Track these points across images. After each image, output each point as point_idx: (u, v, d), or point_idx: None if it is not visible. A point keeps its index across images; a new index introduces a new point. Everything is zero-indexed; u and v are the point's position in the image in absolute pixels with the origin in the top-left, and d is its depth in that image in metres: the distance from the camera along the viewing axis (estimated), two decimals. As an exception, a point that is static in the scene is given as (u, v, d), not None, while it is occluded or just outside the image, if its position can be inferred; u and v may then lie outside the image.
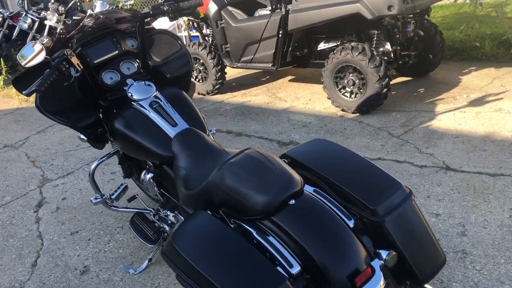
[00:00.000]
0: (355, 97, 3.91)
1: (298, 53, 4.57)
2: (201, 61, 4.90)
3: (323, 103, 4.32)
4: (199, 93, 5.09)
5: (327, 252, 1.39)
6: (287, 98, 4.64)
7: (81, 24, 2.17)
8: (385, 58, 4.00)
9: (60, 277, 2.38)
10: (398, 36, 4.03)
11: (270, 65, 4.44)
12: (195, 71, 5.04)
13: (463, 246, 2.23)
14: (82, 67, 2.06)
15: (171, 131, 2.02)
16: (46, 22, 6.87)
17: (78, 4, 7.01)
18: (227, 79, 5.42)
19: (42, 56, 1.88)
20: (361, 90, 3.85)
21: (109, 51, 2.28)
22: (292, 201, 1.48)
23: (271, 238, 1.47)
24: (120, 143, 2.14)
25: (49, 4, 7.25)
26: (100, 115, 2.27)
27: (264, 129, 3.95)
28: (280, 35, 4.20)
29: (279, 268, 1.40)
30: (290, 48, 4.32)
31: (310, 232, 1.43)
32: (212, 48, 4.80)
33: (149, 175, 2.17)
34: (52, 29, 6.79)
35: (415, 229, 1.53)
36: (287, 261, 1.42)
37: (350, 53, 3.77)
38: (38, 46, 1.89)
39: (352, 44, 3.84)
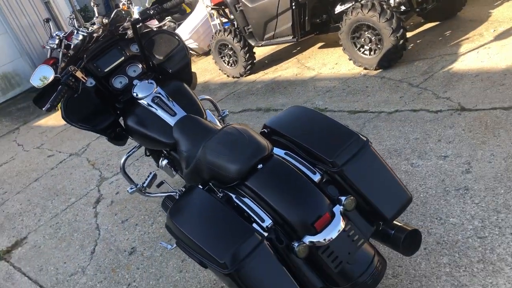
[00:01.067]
0: (374, 53, 3.94)
1: (318, 20, 4.63)
2: (229, 46, 5.13)
3: (348, 65, 4.37)
4: (233, 77, 5.33)
5: (290, 205, 1.59)
6: (315, 66, 4.73)
7: (80, 42, 2.49)
8: (400, 9, 3.97)
9: (112, 259, 2.78)
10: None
11: (290, 37, 4.56)
12: (225, 57, 5.29)
13: (466, 183, 2.29)
14: (86, 79, 2.36)
15: (171, 121, 2.28)
16: (95, 35, 7.47)
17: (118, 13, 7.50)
18: (259, 58, 5.62)
19: (50, 76, 2.22)
20: (378, 46, 3.87)
21: (116, 58, 2.58)
22: (260, 166, 1.68)
23: (247, 200, 1.69)
24: (134, 137, 2.45)
25: (94, 18, 7.85)
26: (119, 116, 2.59)
27: (291, 101, 4.11)
28: (293, 7, 4.30)
29: (254, 225, 1.62)
30: (306, 18, 4.41)
31: (275, 190, 1.63)
32: (236, 32, 5.00)
33: (165, 161, 2.46)
34: (101, 41, 7.37)
35: (375, 174, 1.67)
36: (260, 217, 1.63)
37: (361, 11, 3.79)
38: (47, 68, 2.23)
39: (362, 2, 3.85)
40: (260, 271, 1.50)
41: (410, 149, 2.74)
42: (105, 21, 8.36)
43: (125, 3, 7.51)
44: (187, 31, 6.76)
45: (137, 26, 2.51)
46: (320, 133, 1.78)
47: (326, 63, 4.70)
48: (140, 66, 2.58)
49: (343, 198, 1.60)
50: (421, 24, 4.71)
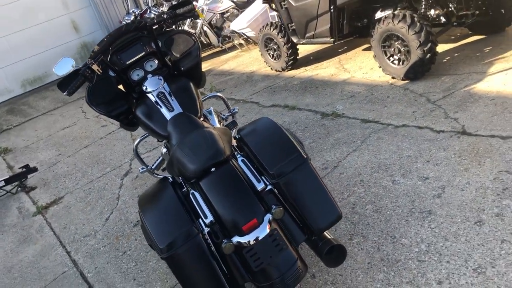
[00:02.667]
0: (402, 64, 3.97)
1: (359, 24, 4.69)
2: (274, 40, 5.33)
3: (380, 71, 4.41)
4: (276, 70, 5.54)
5: (226, 207, 1.83)
6: (351, 69, 4.82)
7: (105, 39, 2.84)
8: (436, 21, 3.94)
9: (120, 228, 3.18)
10: (448, -3, 3.92)
11: (328, 38, 4.67)
12: (271, 50, 5.50)
13: (432, 207, 2.39)
14: (101, 71, 2.71)
15: (168, 115, 2.58)
16: (164, 15, 7.97)
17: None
18: (306, 53, 5.76)
19: (69, 68, 2.59)
20: (407, 57, 3.90)
21: (137, 53, 2.90)
22: (213, 169, 1.94)
23: (199, 197, 1.96)
24: (140, 125, 2.79)
25: (163, 0, 8.36)
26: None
27: (316, 101, 4.26)
28: (332, 10, 4.40)
29: (200, 220, 1.89)
30: (345, 21, 4.49)
31: (219, 193, 1.88)
32: (282, 28, 5.19)
33: (165, 150, 2.79)
34: (168, 22, 7.85)
35: (309, 189, 1.87)
36: (205, 214, 1.89)
37: (391, 21, 3.83)
38: (69, 59, 2.61)
39: (395, 12, 3.88)
40: (191, 260, 1.78)
41: (399, 166, 2.84)
42: (174, 2, 8.89)
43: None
44: (246, 19, 7.00)
45: (154, 27, 2.82)
46: (272, 147, 1.99)
47: (363, 66, 4.76)
48: (157, 62, 2.89)
49: (274, 207, 1.82)
50: (467, 36, 4.61)
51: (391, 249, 2.19)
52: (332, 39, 4.64)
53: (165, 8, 7.88)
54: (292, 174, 1.86)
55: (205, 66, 7.16)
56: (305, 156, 1.90)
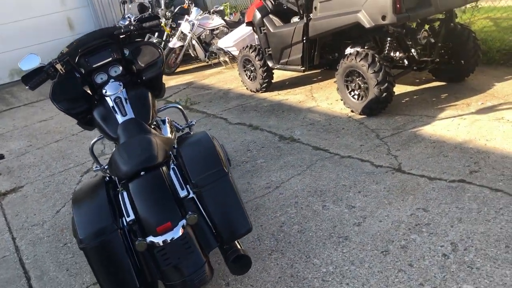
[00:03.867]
0: (361, 99, 4.20)
1: (330, 57, 4.94)
2: (252, 62, 5.57)
3: (343, 104, 4.64)
4: (251, 90, 5.76)
5: (145, 209, 2.01)
6: (319, 98, 5.04)
7: (74, 43, 3.02)
8: (394, 64, 4.18)
9: (66, 221, 3.33)
10: (410, 42, 4.18)
11: (299, 67, 4.90)
12: (248, 71, 5.73)
13: (349, 233, 2.57)
14: (64, 71, 2.89)
15: (120, 119, 2.76)
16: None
17: (181, 10, 8.19)
18: (283, 78, 5.99)
19: (35, 64, 2.77)
20: (366, 94, 4.13)
21: (104, 58, 3.08)
22: (143, 173, 2.12)
23: (126, 197, 2.12)
24: (96, 126, 2.95)
25: (159, 9, 8.61)
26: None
27: (278, 124, 4.47)
28: (304, 41, 4.65)
29: (123, 218, 2.05)
30: (316, 52, 4.74)
31: (142, 195, 2.05)
32: (260, 51, 5.42)
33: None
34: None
35: (224, 201, 2.05)
36: (128, 213, 2.06)
37: (354, 58, 4.07)
38: (35, 56, 2.79)
39: (359, 50, 4.13)
40: (106, 253, 1.95)
41: (333, 192, 3.03)
42: (168, 14, 9.03)
43: (187, 2, 8.17)
44: (233, 38, 7.25)
45: (121, 36, 3.01)
46: (200, 158, 2.18)
47: (330, 97, 4.99)
48: (121, 68, 3.08)
49: (189, 213, 2.00)
50: (430, 81, 4.86)
51: (302, 267, 2.37)
52: (303, 68, 4.87)
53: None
54: (211, 185, 2.05)
55: (188, 78, 7.37)
56: (226, 171, 2.08)
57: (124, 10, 9.38)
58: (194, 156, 2.20)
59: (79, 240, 1.94)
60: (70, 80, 3.01)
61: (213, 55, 7.79)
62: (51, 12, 9.31)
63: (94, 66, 3.04)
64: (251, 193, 3.24)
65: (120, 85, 2.95)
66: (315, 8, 4.42)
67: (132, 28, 2.98)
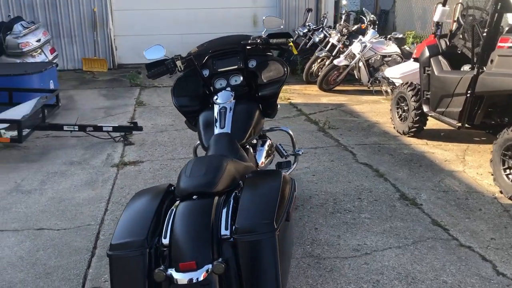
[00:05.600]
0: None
1: (498, 120, 4.14)
2: (407, 101, 5.01)
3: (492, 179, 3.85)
4: (398, 131, 5.20)
5: (178, 238, 1.82)
6: (470, 163, 4.27)
7: (205, 44, 2.99)
8: None
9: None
10: None
11: (455, 122, 4.22)
12: (400, 109, 5.18)
13: None
14: (182, 69, 2.86)
15: (216, 131, 2.65)
16: (330, 39, 8.08)
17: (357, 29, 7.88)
18: (440, 127, 5.28)
19: (159, 56, 2.80)
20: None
21: (232, 64, 3.01)
22: (195, 197, 1.95)
23: (172, 216, 1.97)
24: (197, 129, 2.88)
25: (338, 25, 8.42)
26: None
27: (407, 179, 3.90)
28: (468, 94, 3.96)
29: (162, 237, 1.91)
30: (479, 111, 4.01)
31: (181, 221, 1.87)
32: (418, 92, 4.84)
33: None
34: (332, 45, 7.94)
35: (258, 260, 1.75)
36: (166, 234, 1.91)
37: (516, 131, 3.31)
38: (161, 48, 2.82)
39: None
40: (127, 268, 1.83)
41: (426, 286, 2.46)
42: (345, 30, 8.87)
43: (366, 23, 7.85)
44: (402, 71, 6.67)
45: (248, 47, 2.88)
46: (256, 201, 1.91)
47: (484, 166, 4.17)
48: (242, 78, 2.96)
49: (219, 260, 1.75)
50: None
51: None
52: (459, 124, 4.18)
53: (335, 35, 7.93)
54: (251, 237, 1.77)
55: (341, 99, 7.05)
56: (275, 227, 1.78)
57: (307, 18, 9.42)
58: (253, 196, 1.94)
59: (110, 245, 1.86)
60: (193, 79, 3.01)
61: (377, 81, 7.31)
62: (241, 6, 9.83)
63: (219, 70, 2.99)
64: (335, 250, 2.84)
65: (232, 95, 2.84)
66: (492, 61, 3.72)
67: (258, 41, 2.83)
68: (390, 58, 7.41)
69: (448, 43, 4.51)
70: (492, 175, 3.68)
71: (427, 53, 4.62)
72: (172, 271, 1.76)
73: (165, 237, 1.88)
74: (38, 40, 7.39)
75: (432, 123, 5.10)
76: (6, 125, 4.21)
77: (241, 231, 1.78)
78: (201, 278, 1.72)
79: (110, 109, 6.43)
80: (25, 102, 4.64)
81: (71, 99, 7.00)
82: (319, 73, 7.75)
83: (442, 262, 2.70)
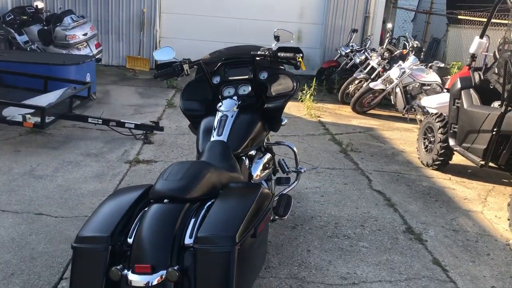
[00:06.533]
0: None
1: (524, 162, 3.91)
2: (434, 132, 4.82)
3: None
4: (421, 162, 5.00)
5: (139, 240, 1.81)
6: (491, 204, 4.04)
7: (217, 53, 3.00)
8: None
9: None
10: None
11: (478, 159, 4.01)
12: (426, 140, 4.98)
13: None
14: (188, 73, 2.88)
15: (213, 137, 2.63)
16: (370, 61, 7.94)
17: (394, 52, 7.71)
18: (467, 163, 5.03)
19: (168, 58, 2.83)
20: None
21: (243, 74, 2.99)
22: (166, 201, 1.93)
23: (142, 215, 1.95)
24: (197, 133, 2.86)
25: (380, 48, 8.26)
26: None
27: (418, 213, 3.73)
28: (494, 132, 3.76)
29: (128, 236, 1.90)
30: (505, 151, 3.79)
31: (147, 223, 1.85)
32: (446, 124, 4.65)
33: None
34: (372, 68, 7.80)
35: (215, 273, 1.71)
36: (131, 234, 1.89)
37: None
38: (171, 50, 2.85)
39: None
40: (86, 263, 1.83)
41: None
42: (386, 54, 8.68)
43: (409, 48, 7.67)
44: (439, 101, 6.39)
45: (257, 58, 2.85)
46: (224, 212, 1.88)
47: (505, 209, 3.94)
48: (250, 88, 2.93)
49: (174, 268, 1.72)
50: None
51: None
52: (482, 162, 3.97)
53: (375, 57, 7.78)
54: (210, 248, 1.73)
55: (372, 123, 6.87)
56: (236, 241, 1.73)
57: (351, 38, 9.31)
58: (222, 207, 1.91)
59: (76, 237, 1.87)
60: (203, 84, 3.02)
61: (413, 109, 7.09)
62: (287, 21, 9.80)
63: (230, 78, 2.98)
64: (322, 275, 2.75)
65: (236, 104, 2.82)
66: (522, 99, 3.52)
67: (267, 53, 2.80)
68: (429, 87, 7.17)
69: (481, 76, 4.31)
70: (508, 219, 3.46)
71: (458, 85, 4.43)
72: (128, 272, 1.75)
73: (130, 237, 1.87)
74: (85, 34, 7.68)
75: (461, 159, 4.87)
76: (32, 110, 4.37)
77: (201, 240, 1.75)
78: (155, 283, 1.70)
79: (141, 107, 6.57)
80: (53, 91, 4.80)
81: (107, 94, 7.21)
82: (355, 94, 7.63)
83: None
